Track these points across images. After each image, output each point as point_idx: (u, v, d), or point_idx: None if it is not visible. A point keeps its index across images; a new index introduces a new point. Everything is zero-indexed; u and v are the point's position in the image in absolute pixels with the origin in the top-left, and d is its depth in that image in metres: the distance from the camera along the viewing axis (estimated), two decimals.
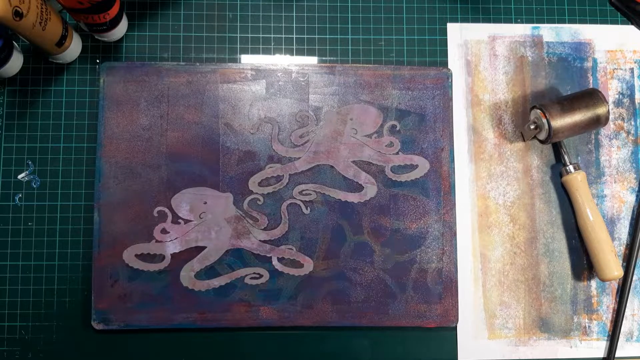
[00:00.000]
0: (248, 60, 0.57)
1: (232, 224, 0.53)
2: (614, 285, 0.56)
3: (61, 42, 0.53)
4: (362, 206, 0.54)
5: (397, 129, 0.55)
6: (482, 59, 0.58)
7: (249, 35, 0.58)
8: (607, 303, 0.56)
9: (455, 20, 0.59)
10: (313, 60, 0.57)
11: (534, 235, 0.56)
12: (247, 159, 0.54)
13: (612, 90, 0.58)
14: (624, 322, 0.56)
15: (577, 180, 0.54)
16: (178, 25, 0.57)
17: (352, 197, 0.54)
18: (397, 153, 0.55)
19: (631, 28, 0.59)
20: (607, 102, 0.53)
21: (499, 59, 0.58)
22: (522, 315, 0.55)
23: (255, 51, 0.57)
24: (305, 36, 0.58)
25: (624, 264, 0.56)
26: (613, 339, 0.55)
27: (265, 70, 0.55)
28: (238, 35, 0.58)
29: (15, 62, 0.54)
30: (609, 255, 0.53)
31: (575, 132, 0.53)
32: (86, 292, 0.53)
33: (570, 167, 0.55)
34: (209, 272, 0.53)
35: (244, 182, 0.54)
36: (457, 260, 0.54)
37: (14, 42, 0.54)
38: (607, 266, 0.53)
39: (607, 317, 0.56)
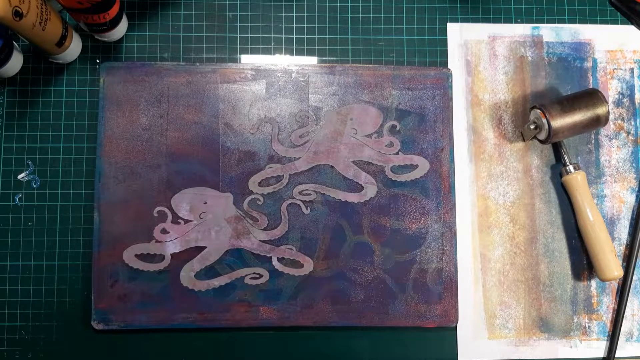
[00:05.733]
0: (248, 60, 0.57)
1: (232, 224, 0.53)
2: (614, 285, 0.56)
3: (61, 42, 0.53)
4: (362, 206, 0.54)
5: (397, 129, 0.55)
6: (482, 59, 0.58)
7: (249, 35, 0.58)
8: (607, 303, 0.56)
9: (455, 20, 0.59)
10: (313, 60, 0.57)
11: (534, 235, 0.56)
12: (247, 159, 0.54)
13: (612, 90, 0.58)
14: (624, 322, 0.56)
15: (577, 180, 0.54)
16: (178, 25, 0.57)
17: (352, 197, 0.54)
18: (397, 153, 0.55)
19: (631, 28, 0.59)
20: (607, 102, 0.53)
21: (499, 59, 0.58)
22: (522, 315, 0.55)
23: (255, 51, 0.57)
24: (305, 36, 0.58)
25: (624, 264, 0.56)
26: (613, 339, 0.55)
27: (265, 70, 0.55)
28: (238, 35, 0.58)
29: (15, 62, 0.54)
30: (609, 255, 0.53)
31: (575, 132, 0.53)
32: (86, 292, 0.53)
33: (570, 167, 0.55)
34: (209, 272, 0.53)
35: (244, 182, 0.54)
36: (457, 260, 0.54)
37: (14, 42, 0.54)
38: (607, 266, 0.53)
39: (607, 317, 0.56)
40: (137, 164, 0.54)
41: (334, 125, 0.55)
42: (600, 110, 0.53)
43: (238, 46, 0.57)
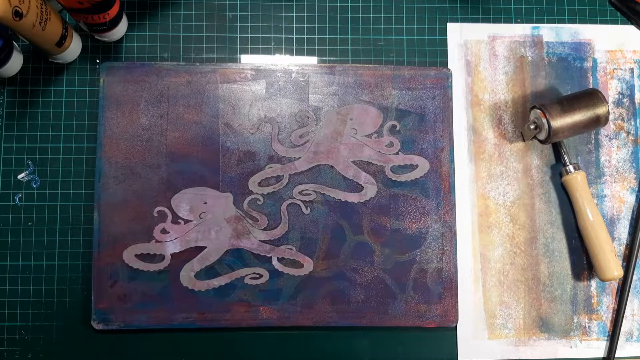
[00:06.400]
0: (248, 60, 0.57)
1: (232, 224, 0.53)
2: (614, 285, 0.56)
3: (61, 42, 0.53)
4: (362, 206, 0.54)
5: (397, 129, 0.55)
6: (482, 59, 0.58)
7: (249, 35, 0.58)
8: (607, 303, 0.56)
9: (455, 20, 0.59)
10: (313, 60, 0.57)
11: (534, 235, 0.56)
12: (247, 159, 0.54)
13: (612, 90, 0.58)
14: (624, 322, 0.56)
15: (577, 180, 0.54)
16: (178, 25, 0.57)
17: (352, 197, 0.54)
18: (397, 153, 0.55)
19: (631, 28, 0.59)
20: (607, 102, 0.53)
21: (499, 59, 0.58)
22: (522, 315, 0.55)
23: (255, 51, 0.57)
24: (305, 36, 0.58)
25: (624, 264, 0.56)
26: (613, 339, 0.55)
27: (265, 70, 0.55)
28: (238, 35, 0.58)
29: (15, 62, 0.54)
30: (609, 255, 0.53)
31: (575, 132, 0.53)
32: (86, 292, 0.53)
33: (570, 167, 0.55)
34: (209, 272, 0.53)
35: (244, 182, 0.54)
36: (457, 260, 0.54)
37: (14, 42, 0.54)
38: (607, 266, 0.53)
39: (607, 317, 0.56)
40: (137, 164, 0.54)
41: (334, 125, 0.55)
42: (600, 110, 0.53)
43: (238, 46, 0.57)
